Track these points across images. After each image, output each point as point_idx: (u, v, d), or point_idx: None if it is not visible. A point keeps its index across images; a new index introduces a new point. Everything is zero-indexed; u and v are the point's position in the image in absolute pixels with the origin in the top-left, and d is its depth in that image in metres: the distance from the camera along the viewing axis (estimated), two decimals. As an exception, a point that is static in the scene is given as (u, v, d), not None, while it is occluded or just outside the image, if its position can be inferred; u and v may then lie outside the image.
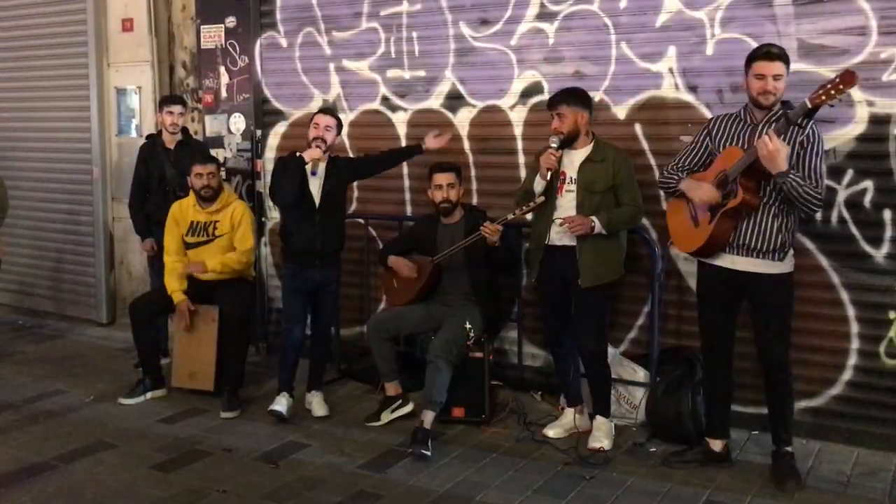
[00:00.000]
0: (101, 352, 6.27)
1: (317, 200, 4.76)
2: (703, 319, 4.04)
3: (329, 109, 5.05)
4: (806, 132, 3.64)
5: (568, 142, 4.25)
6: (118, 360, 5.98)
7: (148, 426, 4.74)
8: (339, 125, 4.89)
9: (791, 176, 3.54)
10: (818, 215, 4.29)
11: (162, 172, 5.60)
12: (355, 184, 5.74)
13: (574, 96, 4.28)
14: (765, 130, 3.67)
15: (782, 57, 3.67)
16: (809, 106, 3.47)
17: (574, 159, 4.28)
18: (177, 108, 5.61)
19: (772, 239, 3.72)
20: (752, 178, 3.66)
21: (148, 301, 5.26)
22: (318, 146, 4.67)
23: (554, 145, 4.21)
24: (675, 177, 3.97)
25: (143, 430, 4.68)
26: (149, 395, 5.16)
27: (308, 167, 4.67)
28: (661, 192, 4.47)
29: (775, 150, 3.47)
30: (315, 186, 4.76)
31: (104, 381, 5.52)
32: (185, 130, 5.77)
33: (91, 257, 6.99)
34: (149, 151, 5.71)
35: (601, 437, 4.34)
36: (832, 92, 3.40)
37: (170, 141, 5.64)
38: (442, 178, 4.71)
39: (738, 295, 3.88)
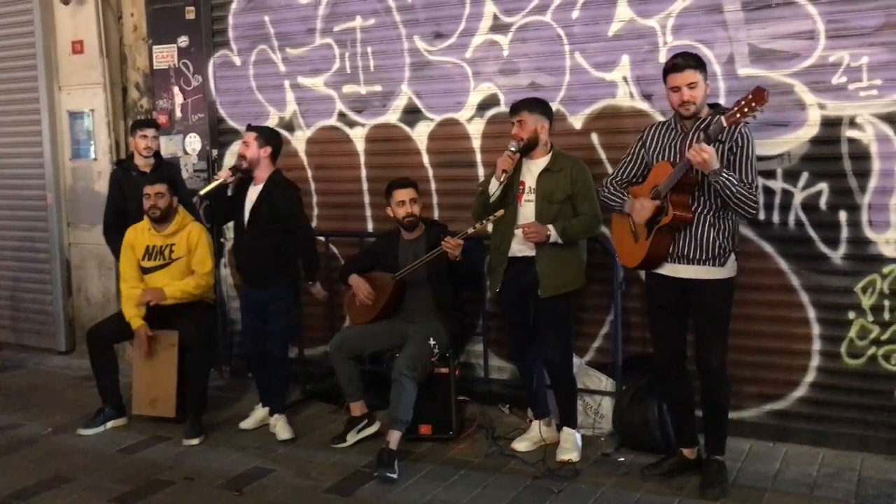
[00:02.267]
0: (60, 381, 6.13)
1: (245, 220, 4.76)
2: (654, 329, 4.05)
3: (251, 125, 5.00)
4: (734, 138, 3.65)
5: (527, 149, 4.24)
6: (78, 389, 5.85)
7: (108, 457, 4.63)
8: (262, 138, 4.77)
9: (724, 174, 3.55)
10: (775, 218, 4.35)
11: (139, 196, 5.46)
12: (314, 200, 5.70)
13: (537, 105, 4.28)
14: (694, 139, 3.68)
15: (691, 65, 3.66)
16: (725, 125, 3.49)
17: (533, 169, 4.27)
18: (150, 132, 5.51)
19: (710, 247, 3.73)
20: (682, 193, 3.68)
21: (106, 328, 5.14)
22: (236, 164, 4.80)
23: (512, 148, 4.20)
24: (619, 195, 3.97)
25: (103, 461, 4.57)
26: (109, 424, 5.05)
27: (213, 186, 4.75)
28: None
29: (709, 156, 3.48)
30: (247, 207, 4.76)
31: (63, 412, 5.39)
32: (157, 154, 5.66)
33: (48, 284, 6.84)
34: (123, 177, 5.58)
35: (569, 448, 4.31)
36: (745, 110, 3.42)
37: (144, 165, 5.52)
38: (403, 194, 4.67)
39: (684, 301, 3.88)
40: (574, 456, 4.28)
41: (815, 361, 4.35)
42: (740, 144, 3.65)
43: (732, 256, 3.79)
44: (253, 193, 4.78)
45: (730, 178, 3.56)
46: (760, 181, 4.16)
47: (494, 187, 4.24)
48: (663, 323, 3.96)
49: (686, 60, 3.68)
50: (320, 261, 5.02)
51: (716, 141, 3.58)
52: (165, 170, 5.53)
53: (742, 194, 3.58)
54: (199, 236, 5.03)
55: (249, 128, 4.92)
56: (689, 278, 3.78)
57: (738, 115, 3.45)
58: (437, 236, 4.56)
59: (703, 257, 3.74)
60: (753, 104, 3.41)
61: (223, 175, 4.79)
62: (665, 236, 3.76)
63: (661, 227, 3.72)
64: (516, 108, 4.28)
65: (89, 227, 6.20)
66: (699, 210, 3.72)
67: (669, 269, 3.82)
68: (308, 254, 4.88)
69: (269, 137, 4.83)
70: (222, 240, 5.99)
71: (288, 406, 5.02)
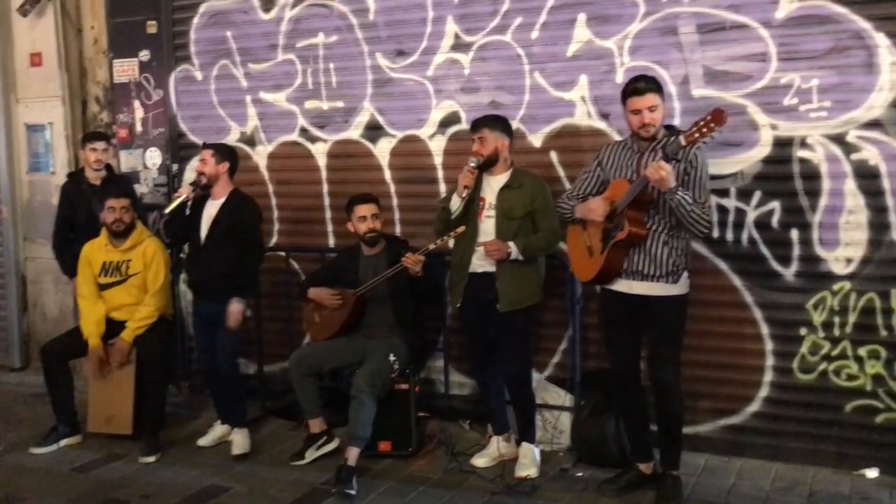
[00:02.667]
0: (13, 398, 6.01)
1: (202, 236, 4.75)
2: (609, 343, 4.10)
3: (206, 143, 5.01)
4: (689, 158, 3.72)
5: (487, 165, 4.28)
6: (31, 407, 5.74)
7: (62, 476, 4.55)
8: (219, 154, 4.79)
9: (679, 193, 3.62)
10: (729, 236, 4.44)
11: (90, 210, 5.42)
12: (275, 216, 5.69)
13: (497, 122, 4.32)
14: (650, 158, 3.74)
15: (652, 88, 3.74)
16: (683, 143, 3.55)
17: (493, 185, 4.31)
18: (100, 145, 5.46)
19: (663, 265, 3.80)
20: (638, 210, 3.74)
21: (61, 344, 5.06)
22: (195, 180, 4.80)
23: (472, 164, 4.24)
24: (570, 204, 4.04)
25: (57, 480, 4.49)
26: (63, 442, 4.96)
27: (177, 204, 4.74)
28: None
29: (667, 174, 3.55)
30: (205, 222, 4.75)
31: (15, 430, 5.29)
32: (108, 167, 5.61)
33: (2, 300, 6.72)
34: (73, 190, 5.53)
35: (528, 464, 4.33)
36: (704, 130, 3.48)
37: (95, 178, 5.47)
38: (365, 210, 4.68)
39: (638, 317, 3.93)
40: (533, 471, 4.30)
41: (769, 377, 4.43)
42: (694, 165, 3.72)
43: (685, 274, 3.86)
44: (212, 209, 4.77)
45: (685, 196, 3.63)
46: (714, 200, 4.27)
47: (456, 203, 4.27)
48: (618, 338, 4.01)
49: (648, 84, 3.75)
50: (256, 285, 4.96)
51: (673, 160, 3.64)
52: (119, 183, 5.46)
53: (696, 213, 3.65)
54: (156, 251, 4.98)
55: (205, 145, 4.92)
56: (642, 294, 3.83)
57: (697, 136, 3.51)
58: (398, 252, 4.58)
59: (657, 274, 3.80)
60: (712, 125, 3.47)
61: (184, 192, 4.77)
62: (620, 252, 3.81)
63: (617, 242, 3.77)
64: (477, 124, 4.33)
65: (46, 241, 6.09)
66: (654, 228, 3.78)
67: (624, 286, 3.87)
68: (250, 272, 4.85)
69: (226, 154, 4.84)
70: (182, 255, 5.93)
71: (248, 421, 4.97)
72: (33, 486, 4.40)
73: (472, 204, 4.31)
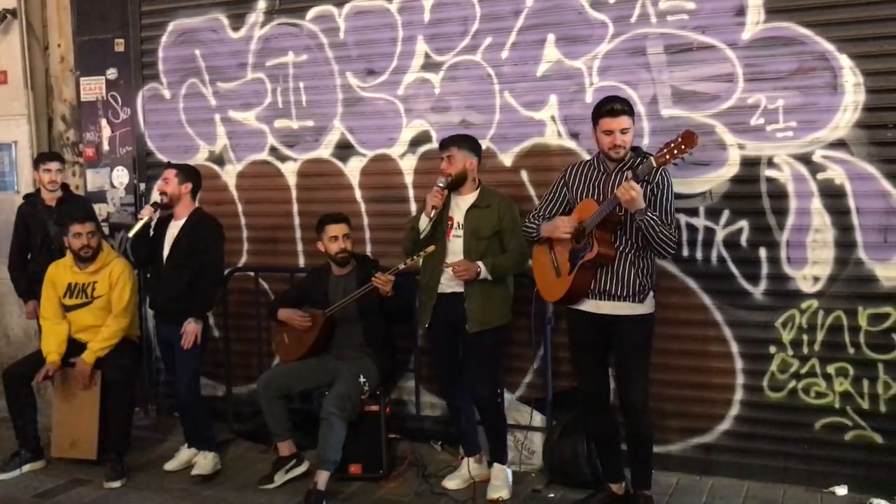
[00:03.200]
0: (-26, 423, 5.87)
1: (164, 256, 4.72)
2: (578, 360, 4.08)
3: (170, 163, 5.01)
4: (656, 180, 3.74)
5: (455, 184, 4.27)
6: (-7, 431, 5.61)
7: (24, 502, 4.44)
8: (182, 174, 4.77)
9: (648, 214, 3.63)
10: (698, 254, 4.46)
11: (45, 231, 5.35)
12: (244, 235, 5.63)
13: (465, 141, 4.32)
14: (617, 179, 3.75)
15: (626, 111, 3.75)
16: (654, 165, 3.56)
17: (461, 205, 4.30)
18: (54, 165, 5.38)
19: (630, 285, 3.80)
20: (606, 230, 3.74)
21: (24, 367, 4.94)
22: (156, 200, 4.75)
23: (441, 184, 4.22)
24: (535, 223, 4.02)
25: (18, 507, 4.39)
26: (26, 467, 4.86)
27: (140, 226, 4.69)
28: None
29: (637, 194, 3.55)
30: (167, 243, 4.73)
31: (-24, 456, 5.16)
32: (65, 186, 5.54)
33: (-35, 321, 6.58)
34: (28, 211, 5.45)
35: (499, 486, 4.30)
36: (675, 152, 3.49)
37: (50, 199, 5.40)
38: (336, 230, 4.65)
39: (605, 337, 3.92)
40: (504, 493, 4.27)
41: (739, 395, 4.44)
42: (661, 186, 3.74)
43: (651, 293, 3.86)
44: (174, 229, 4.73)
45: (653, 217, 3.64)
46: (683, 219, 4.30)
47: (424, 223, 4.25)
48: (586, 358, 4.00)
49: (622, 106, 3.76)
50: (210, 304, 4.86)
51: (643, 181, 3.65)
52: (79, 206, 5.38)
53: (664, 234, 3.66)
54: (121, 272, 4.90)
55: (169, 165, 4.89)
56: (609, 314, 3.83)
57: (668, 157, 3.51)
58: (368, 272, 4.54)
59: (624, 294, 3.80)
60: (683, 146, 3.47)
61: (146, 213, 4.71)
62: (587, 272, 3.80)
63: (585, 262, 3.76)
64: (445, 143, 4.32)
65: (8, 259, 5.98)
66: (621, 248, 3.78)
67: (591, 306, 3.87)
68: (207, 291, 4.77)
69: (189, 174, 4.81)
70: (149, 276, 5.85)
71: (216, 443, 4.89)
72: (-7, 514, 4.31)
73: (441, 224, 4.29)
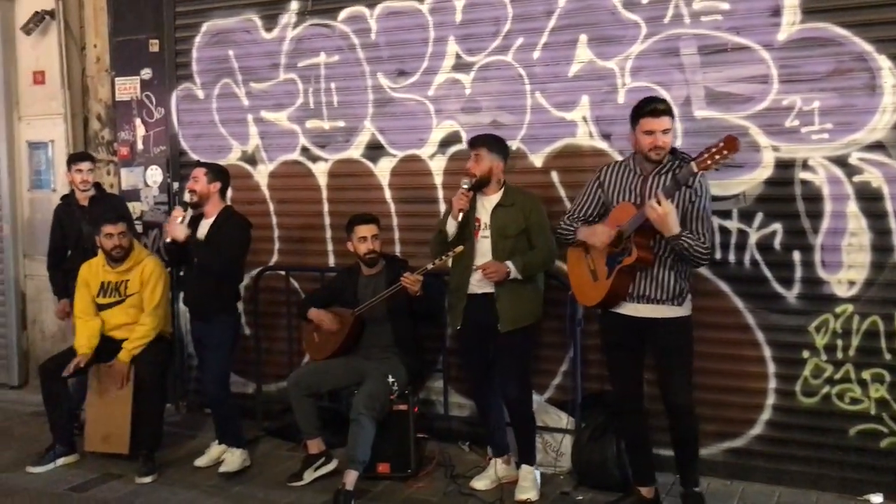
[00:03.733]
0: (11, 416, 5.97)
1: (194, 258, 4.75)
2: (611, 367, 4.04)
3: (200, 162, 5.05)
4: (694, 186, 3.70)
5: (479, 185, 4.26)
6: (29, 425, 5.71)
7: (57, 496, 4.51)
8: (211, 173, 4.80)
9: (683, 237, 3.59)
10: (731, 257, 4.42)
11: (78, 231, 5.43)
12: (276, 234, 5.67)
13: (495, 143, 4.31)
14: (654, 182, 3.73)
15: (668, 111, 3.72)
16: (696, 170, 3.51)
17: (487, 205, 4.30)
18: (85, 166, 5.46)
19: (669, 289, 3.77)
20: (645, 235, 3.69)
21: (59, 362, 5.01)
22: (186, 200, 4.80)
23: (465, 186, 4.22)
24: (572, 227, 3.98)
25: (53, 499, 4.46)
26: (60, 461, 4.93)
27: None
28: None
29: (664, 213, 3.51)
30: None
31: (13, 449, 5.25)
32: (98, 186, 5.62)
33: (2, 317, 6.70)
34: (63, 211, 5.55)
35: (528, 487, 4.29)
36: (717, 157, 3.44)
37: (83, 198, 5.48)
38: (365, 230, 4.67)
39: (642, 340, 3.90)
40: (532, 495, 4.25)
41: (771, 400, 4.39)
42: (699, 194, 3.70)
43: (689, 296, 3.83)
44: (204, 228, 4.78)
45: (688, 241, 3.60)
46: (716, 222, 4.25)
47: (452, 226, 4.25)
48: (620, 361, 3.96)
49: (665, 106, 3.71)
50: (212, 266, 4.71)
51: (684, 186, 3.60)
52: (111, 205, 5.45)
53: (698, 251, 3.63)
54: (153, 270, 4.97)
55: (199, 164, 4.95)
56: (648, 317, 3.79)
57: (710, 162, 3.46)
58: (397, 272, 4.55)
59: (663, 297, 3.76)
60: (725, 152, 3.43)
61: (177, 214, 4.72)
62: (626, 277, 3.76)
63: (624, 267, 3.72)
64: (475, 142, 4.31)
65: (46, 259, 6.08)
66: (660, 253, 3.74)
67: (629, 309, 3.82)
68: (216, 266, 4.71)
69: (218, 173, 4.86)
70: (181, 273, 5.92)
71: (244, 441, 4.92)
72: (28, 507, 4.38)
73: (468, 225, 4.29)
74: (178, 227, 4.65)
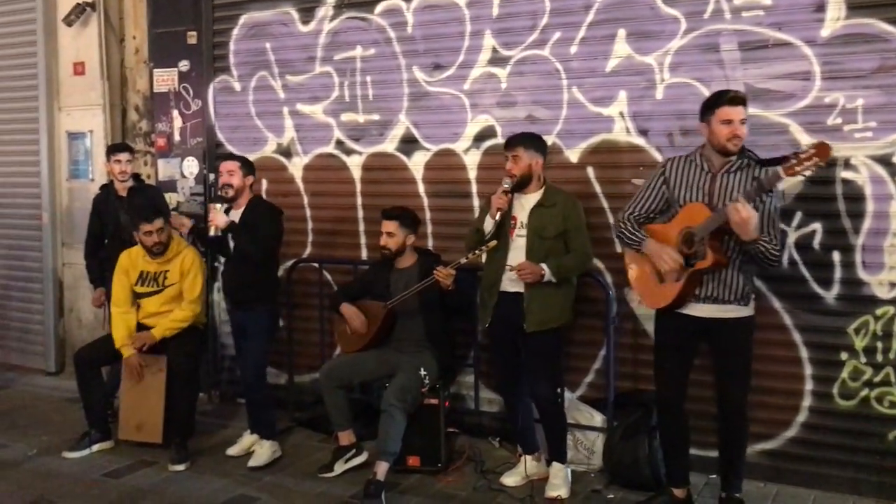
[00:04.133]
0: (47, 402, 6.07)
1: (231, 247, 4.78)
2: (660, 366, 3.96)
3: (230, 154, 5.05)
4: (775, 192, 3.66)
5: (520, 185, 4.24)
6: (65, 411, 5.80)
7: (92, 481, 4.58)
8: (245, 167, 4.85)
9: (761, 241, 3.55)
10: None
11: (116, 221, 5.50)
12: (309, 227, 5.69)
13: (531, 140, 4.27)
14: (724, 181, 3.67)
15: (745, 101, 3.66)
16: (783, 176, 3.43)
17: (525, 204, 4.26)
18: (123, 156, 5.52)
19: (738, 290, 3.72)
20: (718, 238, 3.63)
21: (94, 350, 5.10)
22: (222, 194, 4.81)
23: (506, 186, 4.20)
24: (638, 235, 3.86)
25: (87, 485, 4.51)
26: (95, 447, 5.00)
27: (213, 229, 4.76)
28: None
29: (747, 217, 3.45)
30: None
31: (49, 434, 5.34)
32: (136, 176, 5.68)
33: (40, 304, 6.82)
34: (102, 201, 5.62)
35: (558, 484, 4.27)
36: (806, 163, 3.35)
37: (122, 189, 5.55)
38: (384, 226, 4.69)
39: (698, 340, 3.86)
40: (563, 492, 4.23)
41: (807, 402, 4.33)
42: (770, 196, 3.66)
43: (753, 296, 3.80)
44: (234, 218, 4.80)
45: (765, 245, 3.57)
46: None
47: (489, 225, 4.23)
48: (672, 361, 3.90)
49: (743, 95, 3.66)
50: (250, 251, 4.73)
51: (767, 192, 3.54)
52: (147, 197, 5.51)
53: (772, 254, 3.61)
54: (193, 261, 5.02)
55: (229, 156, 4.97)
56: (713, 318, 3.74)
57: (798, 169, 3.37)
58: (430, 266, 4.55)
59: (730, 297, 3.71)
60: (816, 159, 3.34)
61: (221, 221, 4.72)
62: (696, 279, 3.70)
63: (697, 271, 3.66)
64: (512, 142, 4.27)
65: (83, 247, 6.18)
66: (729, 254, 3.69)
67: (694, 309, 3.76)
68: (254, 251, 4.73)
69: (251, 168, 4.92)
70: (217, 264, 5.98)
71: (276, 433, 4.95)
72: (64, 490, 4.44)
73: (504, 224, 4.26)
74: (220, 216, 4.71)
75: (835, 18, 4.14)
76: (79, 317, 6.72)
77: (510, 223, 4.27)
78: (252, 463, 4.75)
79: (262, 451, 4.81)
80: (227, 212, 4.83)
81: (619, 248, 4.66)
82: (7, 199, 6.94)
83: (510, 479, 4.43)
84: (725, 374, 3.82)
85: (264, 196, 5.54)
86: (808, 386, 4.32)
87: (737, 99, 3.64)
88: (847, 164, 4.18)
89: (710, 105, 3.70)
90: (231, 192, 4.79)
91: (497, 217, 4.18)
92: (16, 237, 6.89)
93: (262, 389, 4.91)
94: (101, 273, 5.59)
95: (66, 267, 6.73)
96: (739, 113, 3.62)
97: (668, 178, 3.84)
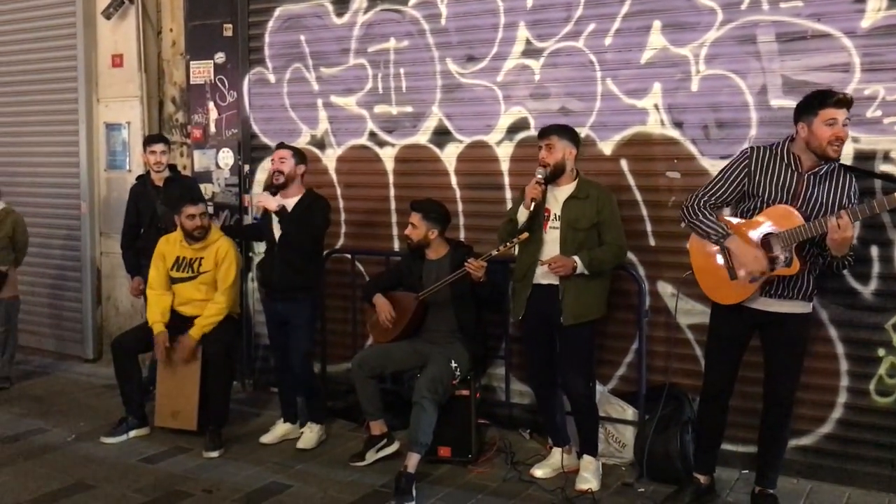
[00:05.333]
0: (85, 389, 6.20)
1: (276, 237, 4.82)
2: (714, 357, 3.94)
3: (283, 143, 5.10)
4: (851, 189, 3.64)
5: (553, 176, 4.23)
6: (102, 397, 5.91)
7: (129, 466, 4.66)
8: (297, 156, 4.91)
9: (848, 257, 3.56)
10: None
11: (153, 211, 5.60)
12: (342, 218, 5.73)
13: (565, 131, 4.27)
14: (812, 183, 3.61)
15: (851, 103, 3.56)
16: (888, 207, 3.37)
17: (558, 196, 4.25)
18: (159, 147, 5.61)
19: (805, 289, 3.71)
20: (802, 245, 3.59)
21: (131, 338, 5.19)
22: (273, 180, 4.84)
23: (540, 176, 4.19)
24: (719, 227, 3.71)
25: (124, 470, 4.60)
26: (132, 433, 5.09)
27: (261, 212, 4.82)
28: (683, 224, 4.09)
29: (850, 237, 3.41)
30: (277, 224, 4.83)
31: (87, 419, 5.45)
32: (172, 167, 5.77)
33: (78, 293, 6.94)
34: (139, 191, 5.72)
35: (589, 477, 4.27)
36: None
37: (158, 179, 5.64)
38: (410, 217, 4.73)
39: (754, 333, 3.84)
40: (594, 485, 4.23)
41: (843, 398, 4.28)
42: (853, 201, 3.64)
43: (815, 292, 3.79)
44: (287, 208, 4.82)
45: (849, 258, 3.60)
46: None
47: (523, 215, 4.23)
48: (724, 355, 3.88)
49: (849, 98, 3.55)
50: (297, 239, 4.80)
51: (877, 215, 3.52)
52: (181, 184, 5.61)
53: (849, 262, 3.64)
54: (228, 251, 5.09)
55: (282, 146, 4.99)
56: (776, 312, 3.71)
57: None
58: (461, 257, 4.56)
59: (796, 294, 3.70)
60: None
61: (271, 203, 4.77)
62: (770, 280, 3.67)
63: (778, 275, 3.63)
64: (545, 132, 4.27)
65: (120, 237, 6.30)
66: (808, 259, 3.68)
67: (758, 303, 3.73)
68: (301, 240, 4.80)
69: (303, 157, 4.96)
70: (251, 254, 6.05)
71: (324, 418, 5.05)
72: (102, 475, 4.52)
73: (538, 216, 4.26)
74: (269, 198, 4.75)
75: (876, 9, 4.07)
76: (116, 305, 6.84)
77: (543, 215, 4.26)
78: (300, 445, 4.85)
79: (311, 434, 4.90)
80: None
81: (651, 241, 4.66)
82: (49, 188, 7.07)
83: (541, 471, 4.44)
84: (777, 369, 3.79)
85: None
86: (844, 382, 4.27)
87: (843, 100, 3.53)
88: (886, 157, 4.11)
89: (812, 106, 3.59)
90: (281, 179, 4.82)
91: (531, 207, 4.18)
92: (55, 226, 7.02)
93: (311, 378, 5.00)
94: (137, 262, 5.70)
95: (103, 256, 6.85)
96: (844, 115, 3.54)
97: (753, 171, 3.73)
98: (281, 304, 4.93)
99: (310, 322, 4.95)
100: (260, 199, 4.79)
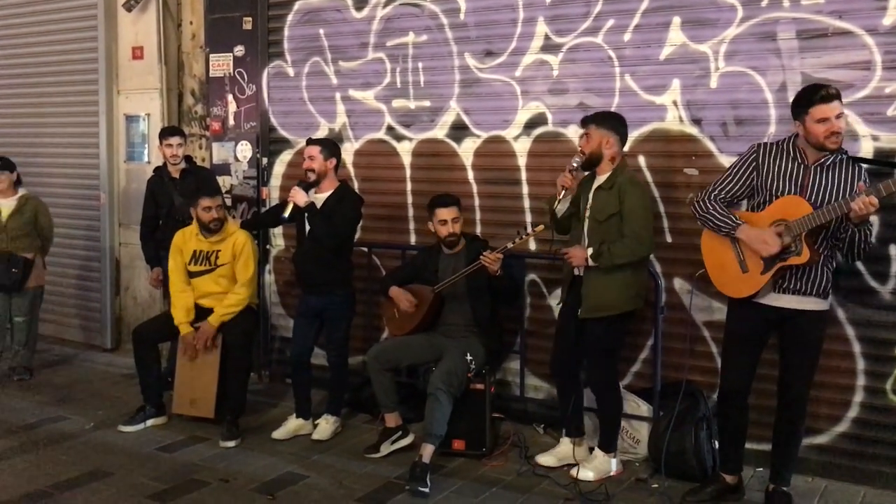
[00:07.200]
0: (104, 378, 6.26)
1: (307, 230, 4.84)
2: (731, 355, 3.93)
3: (311, 139, 5.10)
4: (863, 178, 3.64)
5: (590, 164, 4.20)
6: (121, 387, 5.98)
7: (146, 454, 4.71)
8: (326, 150, 4.86)
9: (869, 226, 3.57)
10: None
11: (170, 202, 5.65)
12: (360, 212, 5.75)
13: (606, 119, 4.23)
14: (818, 174, 3.61)
15: (838, 95, 3.57)
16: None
17: (593, 186, 4.24)
18: (175, 140, 5.66)
19: (821, 284, 3.69)
20: (814, 235, 3.59)
21: (151, 328, 5.25)
22: (304, 180, 4.82)
23: (574, 164, 4.18)
24: (730, 218, 3.74)
25: (142, 458, 4.65)
26: (149, 422, 5.15)
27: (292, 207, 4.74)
28: (697, 220, 4.05)
29: (876, 207, 3.40)
30: (307, 218, 4.83)
31: (105, 408, 5.51)
32: (188, 159, 5.82)
33: (97, 283, 7.01)
34: (156, 182, 5.77)
35: (589, 469, 4.29)
36: None
37: (175, 171, 5.70)
38: (446, 213, 4.69)
39: (771, 330, 3.83)
40: (590, 476, 4.25)
41: (859, 397, 4.26)
42: (868, 181, 3.64)
43: (831, 289, 3.78)
44: (317, 203, 4.82)
45: (870, 227, 3.59)
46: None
47: (561, 205, 4.24)
48: (741, 352, 3.88)
49: (835, 90, 3.56)
50: (326, 236, 4.77)
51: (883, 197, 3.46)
52: (204, 180, 5.64)
53: (869, 242, 3.63)
54: (245, 244, 5.12)
55: (311, 141, 4.98)
56: (792, 308, 3.71)
57: None
58: (478, 251, 4.58)
59: (811, 290, 3.69)
60: None
61: (300, 198, 4.72)
62: (783, 272, 3.66)
63: (788, 265, 3.62)
64: (586, 120, 4.26)
65: (139, 228, 6.36)
66: (821, 251, 3.67)
67: (773, 299, 3.73)
68: (330, 237, 4.76)
69: (333, 149, 4.93)
70: (268, 246, 6.09)
71: (341, 410, 5.09)
72: (120, 463, 4.58)
73: (581, 204, 4.25)
74: (300, 192, 4.73)
75: (898, 6, 4.05)
76: (134, 295, 6.90)
77: (587, 205, 4.23)
78: (316, 436, 4.89)
79: (328, 426, 4.94)
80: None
81: (668, 237, 4.66)
82: (69, 178, 7.14)
83: (545, 459, 4.47)
84: (792, 366, 3.79)
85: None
86: (861, 381, 4.26)
87: (829, 96, 3.54)
88: (906, 156, 4.09)
89: (802, 104, 3.61)
90: (313, 177, 4.80)
91: (561, 195, 4.17)
92: (75, 217, 7.09)
93: (344, 369, 5.04)
94: (156, 254, 5.75)
95: (122, 246, 6.91)
96: (834, 109, 3.53)
97: (760, 165, 3.75)
98: (315, 297, 4.93)
99: (347, 316, 4.97)
100: (293, 192, 4.75)
